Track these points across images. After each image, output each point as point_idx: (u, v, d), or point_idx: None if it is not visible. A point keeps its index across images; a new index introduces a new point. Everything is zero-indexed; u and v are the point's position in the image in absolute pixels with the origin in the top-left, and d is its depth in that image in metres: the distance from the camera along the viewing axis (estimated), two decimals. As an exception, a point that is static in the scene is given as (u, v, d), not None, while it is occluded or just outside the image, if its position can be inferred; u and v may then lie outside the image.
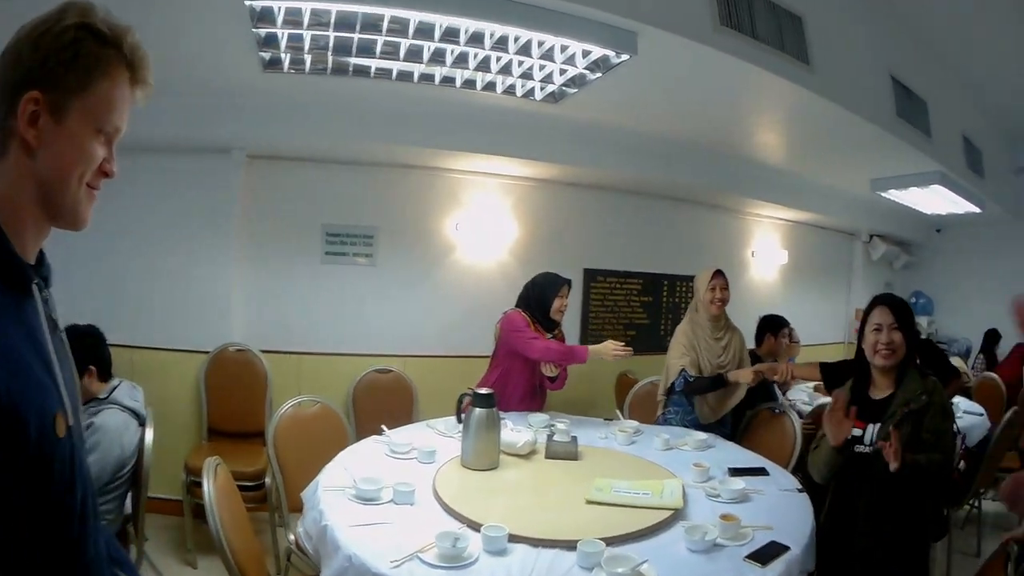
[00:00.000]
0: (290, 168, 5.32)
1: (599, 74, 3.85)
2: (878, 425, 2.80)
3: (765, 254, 8.33)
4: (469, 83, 4.11)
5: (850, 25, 4.96)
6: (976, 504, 5.11)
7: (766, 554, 2.28)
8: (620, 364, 5.77)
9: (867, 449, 2.80)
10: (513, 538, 2.19)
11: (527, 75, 3.99)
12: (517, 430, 3.39)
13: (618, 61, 3.64)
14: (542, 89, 4.21)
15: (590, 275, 6.66)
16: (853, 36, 4.95)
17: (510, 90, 4.22)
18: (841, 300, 9.97)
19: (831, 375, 3.74)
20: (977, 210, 7.93)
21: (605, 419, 4.36)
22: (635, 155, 5.82)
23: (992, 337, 8.52)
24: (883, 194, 7.23)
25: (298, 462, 3.38)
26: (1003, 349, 8.44)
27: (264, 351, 5.13)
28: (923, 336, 9.91)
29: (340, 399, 4.89)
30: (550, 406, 4.50)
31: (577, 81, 4.02)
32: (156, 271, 5.00)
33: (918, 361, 2.94)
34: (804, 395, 5.81)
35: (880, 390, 2.91)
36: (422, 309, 5.73)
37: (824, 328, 9.24)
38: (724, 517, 2.47)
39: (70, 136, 1.07)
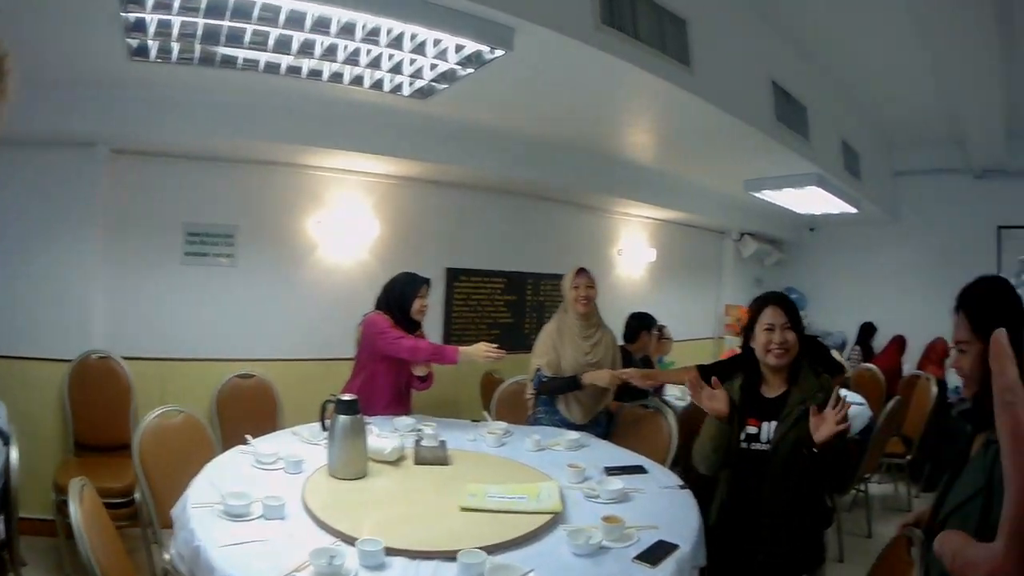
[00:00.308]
0: (153, 164, 5.04)
1: (471, 70, 3.76)
2: (774, 423, 2.83)
3: (632, 252, 8.50)
4: (336, 76, 3.97)
5: (733, 30, 5.06)
6: (863, 488, 5.44)
7: (655, 554, 2.29)
8: (485, 364, 5.75)
9: (765, 446, 2.82)
10: (390, 551, 2.12)
11: (396, 69, 3.87)
12: (384, 436, 3.32)
13: (492, 57, 3.56)
14: (411, 84, 4.10)
15: (452, 274, 6.58)
16: (736, 41, 5.06)
17: (378, 85, 4.09)
18: (711, 297, 10.28)
19: (709, 377, 3.79)
20: (853, 210, 8.26)
21: (472, 420, 4.34)
22: (503, 154, 5.82)
23: (868, 330, 8.90)
24: (757, 194, 7.43)
25: (165, 476, 3.19)
26: (878, 341, 8.82)
27: (127, 358, 4.86)
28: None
29: (205, 407, 4.70)
30: (416, 408, 4.44)
31: (448, 77, 3.93)
32: (13, 273, 4.65)
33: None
34: (677, 390, 5.93)
35: (773, 388, 2.94)
36: (283, 311, 5.57)
37: (694, 324, 9.47)
38: (607, 519, 2.45)
39: None
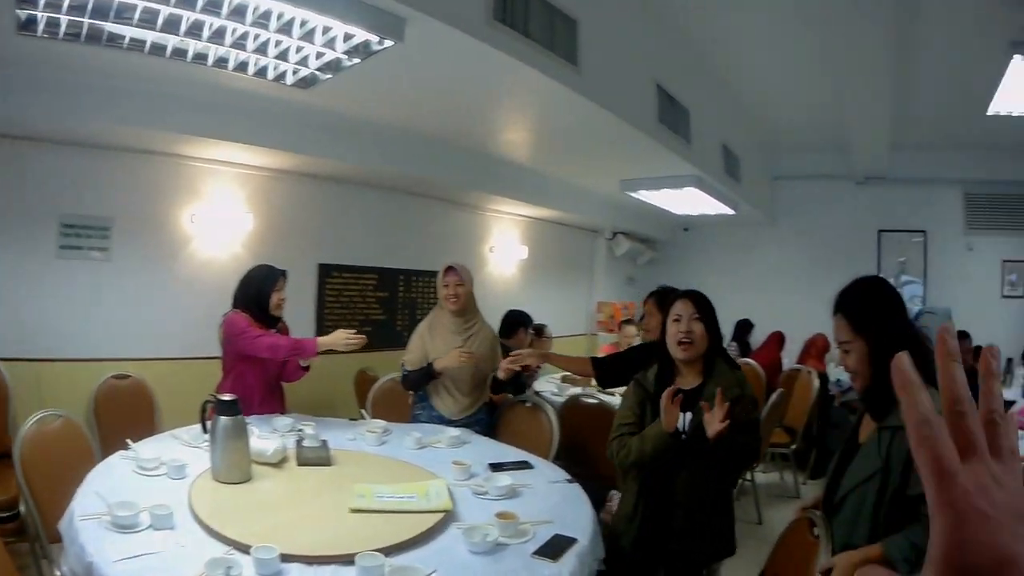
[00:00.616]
0: (27, 150, 4.68)
1: (356, 60, 3.69)
2: (689, 414, 2.90)
3: (504, 250, 8.56)
4: (222, 62, 3.80)
5: (622, 32, 5.12)
6: (750, 477, 5.74)
7: (554, 548, 2.30)
8: (358, 361, 5.72)
9: (680, 435, 2.89)
10: (285, 558, 2.05)
11: (283, 56, 3.75)
12: (264, 437, 3.20)
13: (380, 48, 3.50)
14: (295, 73, 3.99)
15: (325, 270, 6.48)
16: (623, 43, 5.14)
17: (262, 72, 3.96)
18: (583, 294, 10.42)
19: (605, 370, 4.05)
20: (731, 212, 8.57)
21: (350, 419, 4.26)
22: (380, 148, 5.76)
23: (744, 327, 9.16)
24: (633, 194, 7.61)
25: (49, 486, 3.02)
26: (755, 338, 9.13)
27: (2, 359, 4.51)
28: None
29: (82, 409, 4.43)
30: (291, 407, 4.35)
31: (332, 66, 3.84)
32: None
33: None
34: (553, 386, 6.03)
35: (687, 380, 3.01)
36: (159, 308, 5.32)
37: (567, 321, 9.55)
38: (501, 515, 2.48)
39: None
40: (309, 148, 5.34)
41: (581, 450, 4.30)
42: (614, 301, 10.14)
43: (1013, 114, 6.61)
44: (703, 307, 3.00)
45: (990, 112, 6.52)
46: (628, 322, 7.47)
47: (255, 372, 4.07)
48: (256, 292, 4.06)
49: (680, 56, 6.14)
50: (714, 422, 2.63)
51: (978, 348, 7.23)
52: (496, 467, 3.25)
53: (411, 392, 4.34)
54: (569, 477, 3.18)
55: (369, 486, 2.71)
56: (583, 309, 10.35)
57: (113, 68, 4.07)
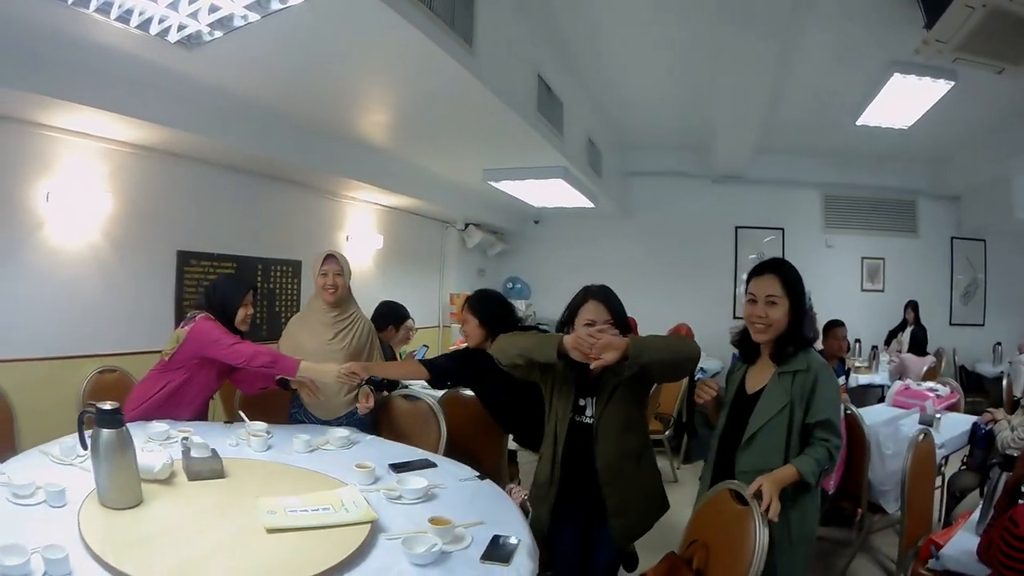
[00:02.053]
0: None
1: (254, 17, 3.32)
2: (594, 398, 2.95)
3: (360, 238, 8.29)
4: (105, 6, 3.27)
5: (513, 17, 4.99)
6: None
7: (500, 551, 2.18)
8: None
9: (587, 419, 2.96)
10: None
11: (173, 6, 3.29)
12: (145, 449, 2.79)
13: (281, 6, 3.20)
14: (180, 29, 3.52)
15: (184, 258, 5.88)
16: (513, 29, 5.01)
17: (145, 25, 3.44)
18: (435, 286, 10.28)
19: (437, 371, 3.96)
20: (591, 205, 8.71)
21: (225, 422, 3.94)
22: (248, 128, 5.39)
23: None
24: (495, 184, 7.56)
25: None
26: None
27: None
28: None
29: None
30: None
31: (224, 23, 3.43)
32: None
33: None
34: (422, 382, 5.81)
35: (593, 371, 2.98)
36: (10, 300, 4.56)
37: (421, 312, 9.17)
38: (434, 521, 2.27)
39: None
40: (177, 122, 4.80)
41: (464, 446, 4.00)
42: (466, 292, 10.03)
43: (882, 126, 7.09)
44: (613, 305, 3.00)
45: (859, 123, 6.90)
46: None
47: (209, 381, 3.79)
48: (221, 302, 3.76)
49: (556, 47, 6.05)
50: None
51: None
52: (398, 467, 3.03)
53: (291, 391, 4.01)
54: (478, 473, 3.04)
55: (274, 500, 2.40)
56: (436, 300, 10.20)
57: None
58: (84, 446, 2.61)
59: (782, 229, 10.39)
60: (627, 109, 8.16)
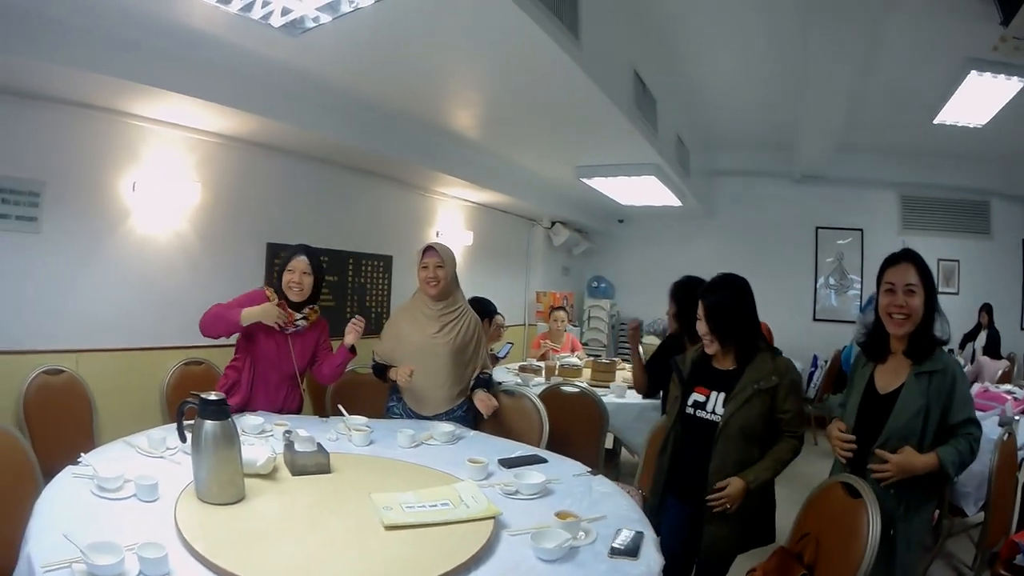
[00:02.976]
0: None
1: (366, 1, 3.14)
2: (723, 395, 2.88)
3: (450, 234, 8.19)
4: None
5: (612, 11, 4.84)
6: None
7: (629, 545, 2.07)
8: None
9: (711, 416, 2.89)
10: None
11: None
12: (248, 443, 2.67)
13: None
14: (284, 14, 3.32)
15: (274, 250, 5.72)
16: (611, 23, 4.85)
17: (249, 7, 3.25)
18: (520, 283, 10.17)
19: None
20: (678, 203, 8.60)
21: (320, 417, 3.83)
22: (338, 117, 5.25)
23: None
24: (587, 181, 7.45)
25: None
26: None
27: None
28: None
29: (9, 413, 3.77)
30: None
31: (332, 7, 3.23)
32: None
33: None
34: (514, 377, 5.76)
35: (723, 363, 2.99)
36: (95, 290, 4.47)
37: (506, 311, 9.20)
38: (561, 515, 2.20)
39: None
40: (273, 111, 4.70)
41: (561, 441, 3.88)
42: (552, 291, 9.95)
43: (959, 124, 6.83)
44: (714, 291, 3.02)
45: (936, 121, 6.63)
46: (559, 309, 7.27)
47: (259, 363, 3.68)
48: (279, 268, 3.74)
49: (650, 44, 5.89)
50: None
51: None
52: (508, 463, 2.93)
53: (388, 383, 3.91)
54: (590, 469, 2.93)
55: (390, 495, 2.29)
56: (521, 298, 10.10)
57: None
58: (182, 438, 2.55)
59: (861, 230, 10.03)
60: (712, 107, 7.97)
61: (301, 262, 3.69)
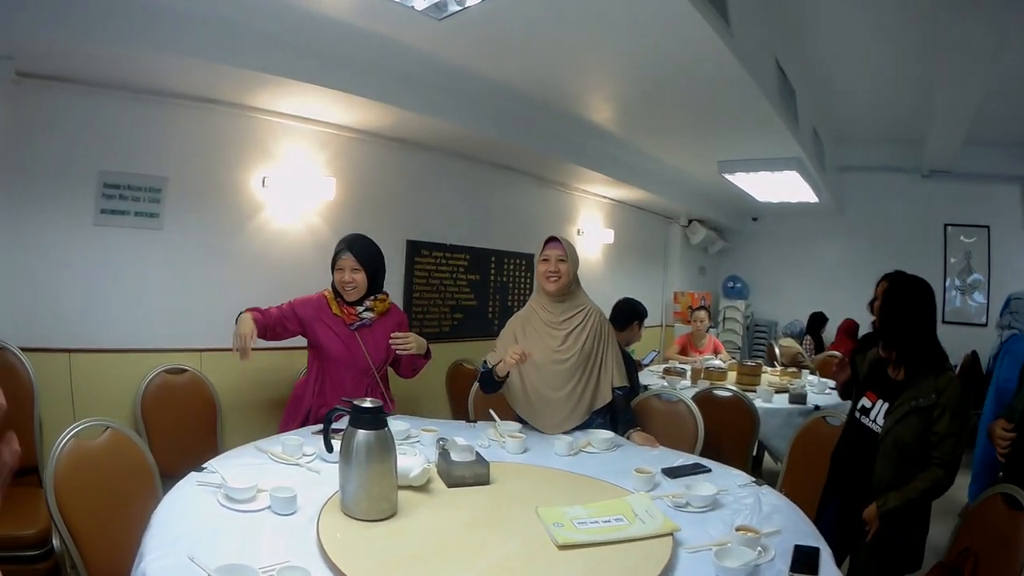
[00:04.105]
0: (65, 93, 3.70)
1: None
2: (887, 405, 2.74)
3: (592, 233, 8.03)
4: None
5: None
6: None
7: (805, 562, 1.89)
8: (451, 352, 5.24)
9: (870, 423, 2.79)
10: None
11: None
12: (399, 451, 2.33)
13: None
14: None
15: (414, 248, 5.67)
16: (755, 8, 4.57)
17: None
18: (658, 283, 9.95)
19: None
20: (815, 200, 8.26)
21: (468, 421, 3.57)
22: (475, 107, 5.06)
23: (818, 319, 8.74)
24: (729, 177, 7.21)
25: (95, 521, 2.21)
26: (828, 331, 8.78)
27: (27, 349, 3.55)
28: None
29: (125, 413, 3.74)
30: None
31: None
32: None
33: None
34: (659, 380, 5.48)
35: (896, 371, 2.81)
36: (220, 287, 4.31)
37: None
38: (742, 529, 2.03)
39: None
40: (401, 100, 4.45)
41: (711, 447, 3.67)
42: (690, 291, 9.70)
43: None
44: (894, 292, 2.81)
45: None
46: (701, 309, 7.01)
47: (327, 366, 3.42)
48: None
49: (789, 33, 5.57)
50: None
51: None
52: (672, 472, 2.71)
53: None
54: (754, 479, 2.69)
55: (557, 509, 2.09)
56: (659, 299, 9.84)
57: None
58: (329, 448, 2.35)
59: (987, 227, 9.32)
60: (842, 99, 7.54)
61: (347, 260, 3.37)
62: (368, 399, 2.15)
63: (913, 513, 2.66)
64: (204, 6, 3.41)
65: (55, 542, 2.74)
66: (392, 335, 3.36)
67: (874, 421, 2.76)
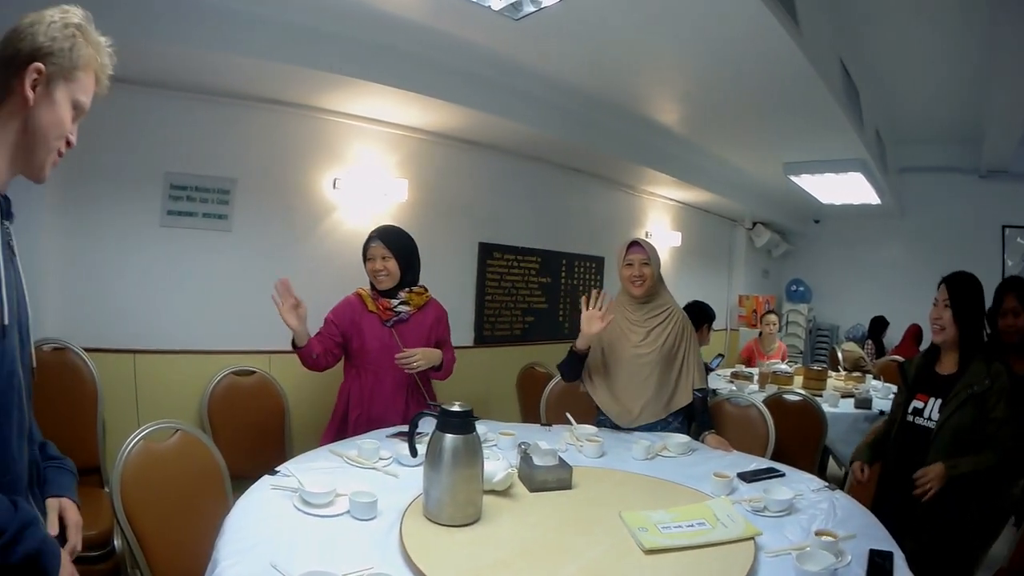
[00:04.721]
0: (132, 94, 3.71)
1: None
2: (939, 401, 2.79)
3: (660, 235, 7.98)
4: None
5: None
6: None
7: (880, 566, 1.86)
8: (522, 355, 5.17)
9: (928, 423, 2.81)
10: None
11: None
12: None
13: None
14: None
15: (486, 250, 5.70)
16: (821, 8, 4.53)
17: None
18: (723, 286, 9.84)
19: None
20: (878, 201, 8.19)
21: (543, 425, 3.54)
22: (553, 111, 5.08)
23: (879, 324, 8.59)
24: (794, 179, 7.15)
25: (161, 523, 2.20)
26: (889, 336, 8.64)
27: (90, 349, 3.59)
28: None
29: (190, 414, 3.80)
30: None
31: None
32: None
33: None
34: (728, 384, 5.40)
35: (945, 366, 2.90)
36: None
37: None
38: (822, 534, 1.98)
39: (55, 104, 1.37)
40: (475, 102, 4.46)
41: (780, 451, 3.62)
42: (755, 295, 9.58)
43: None
44: (957, 293, 2.86)
45: None
46: (771, 312, 6.93)
47: (358, 368, 3.42)
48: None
49: (851, 32, 5.46)
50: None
51: None
52: (747, 477, 2.67)
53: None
54: (827, 483, 2.64)
55: (641, 514, 2.08)
56: (724, 302, 9.71)
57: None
58: (413, 452, 2.36)
59: None
60: (901, 100, 7.40)
61: (378, 248, 3.34)
62: (456, 403, 2.10)
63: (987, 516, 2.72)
64: (274, 8, 3.46)
65: (116, 543, 2.78)
66: (397, 355, 3.29)
67: (928, 419, 2.81)
